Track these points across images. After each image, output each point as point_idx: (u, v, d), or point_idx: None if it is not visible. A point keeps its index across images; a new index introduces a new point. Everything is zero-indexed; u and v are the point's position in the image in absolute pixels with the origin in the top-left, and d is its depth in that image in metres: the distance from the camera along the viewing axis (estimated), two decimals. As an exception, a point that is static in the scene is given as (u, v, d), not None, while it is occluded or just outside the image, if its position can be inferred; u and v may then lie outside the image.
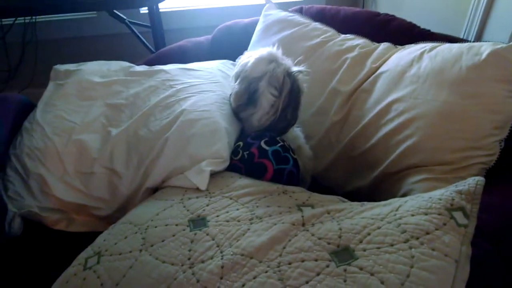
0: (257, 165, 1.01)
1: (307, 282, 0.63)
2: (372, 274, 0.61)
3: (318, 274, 0.64)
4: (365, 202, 0.81)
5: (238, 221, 0.79)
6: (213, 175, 0.99)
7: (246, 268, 0.68)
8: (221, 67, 1.39)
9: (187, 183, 0.97)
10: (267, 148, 1.03)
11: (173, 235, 0.77)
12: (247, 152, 1.04)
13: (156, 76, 1.27)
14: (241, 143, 1.07)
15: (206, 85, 1.23)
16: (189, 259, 0.71)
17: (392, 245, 0.65)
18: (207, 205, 0.85)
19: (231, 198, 0.87)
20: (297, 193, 0.90)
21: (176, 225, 0.80)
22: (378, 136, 1.11)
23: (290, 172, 1.03)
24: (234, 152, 1.07)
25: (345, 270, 0.63)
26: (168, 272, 0.70)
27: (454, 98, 1.02)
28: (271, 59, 1.09)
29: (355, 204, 0.82)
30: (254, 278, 0.66)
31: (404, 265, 0.61)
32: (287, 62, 1.12)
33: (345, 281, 0.62)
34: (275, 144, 1.04)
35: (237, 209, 0.83)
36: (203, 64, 1.39)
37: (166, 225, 0.81)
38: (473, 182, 0.70)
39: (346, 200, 0.88)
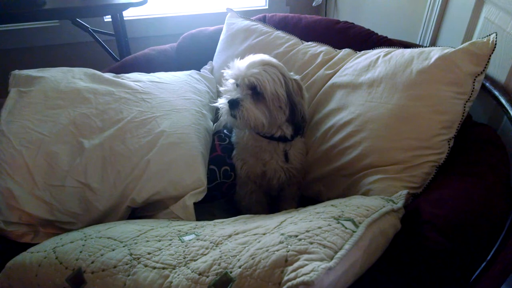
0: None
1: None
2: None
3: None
4: None
5: None
6: None
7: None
8: (189, 80, 1.41)
9: (173, 215, 1.09)
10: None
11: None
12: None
13: (126, 87, 1.26)
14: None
15: (179, 102, 1.27)
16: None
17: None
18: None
19: None
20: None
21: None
22: (337, 138, 1.17)
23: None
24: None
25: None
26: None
27: (405, 101, 1.08)
28: None
29: None
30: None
31: None
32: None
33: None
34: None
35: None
36: (171, 76, 1.40)
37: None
38: None
39: None
